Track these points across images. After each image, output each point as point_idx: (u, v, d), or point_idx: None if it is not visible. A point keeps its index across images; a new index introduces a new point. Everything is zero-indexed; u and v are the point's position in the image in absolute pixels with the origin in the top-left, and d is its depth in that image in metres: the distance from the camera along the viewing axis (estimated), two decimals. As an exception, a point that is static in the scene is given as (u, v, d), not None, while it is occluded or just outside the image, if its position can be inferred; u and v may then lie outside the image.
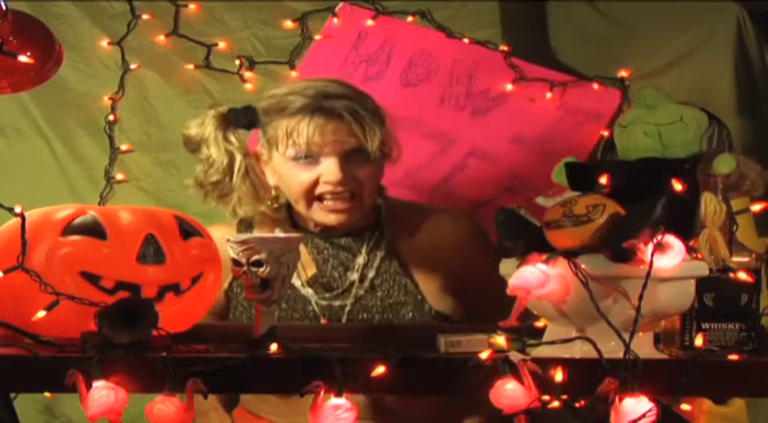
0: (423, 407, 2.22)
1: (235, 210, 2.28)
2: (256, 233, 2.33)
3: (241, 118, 2.25)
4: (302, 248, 2.22)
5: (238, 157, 2.24)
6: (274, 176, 2.29)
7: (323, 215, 2.25)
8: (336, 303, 2.28)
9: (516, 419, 1.69)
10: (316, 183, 2.23)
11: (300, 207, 2.27)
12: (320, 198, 2.24)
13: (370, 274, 2.29)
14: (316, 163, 2.22)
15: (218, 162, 2.24)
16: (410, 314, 2.28)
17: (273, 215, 2.34)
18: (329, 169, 2.21)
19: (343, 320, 2.27)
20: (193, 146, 2.27)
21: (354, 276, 2.28)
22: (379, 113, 2.26)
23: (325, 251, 2.31)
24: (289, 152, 2.23)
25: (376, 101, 2.29)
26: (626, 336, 1.72)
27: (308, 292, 2.29)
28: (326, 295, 2.29)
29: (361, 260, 2.29)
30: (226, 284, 2.29)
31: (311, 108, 2.20)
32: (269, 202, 2.32)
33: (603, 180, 1.84)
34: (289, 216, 2.34)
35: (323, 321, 2.27)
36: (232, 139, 2.24)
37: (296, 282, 2.28)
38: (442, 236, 2.31)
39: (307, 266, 2.30)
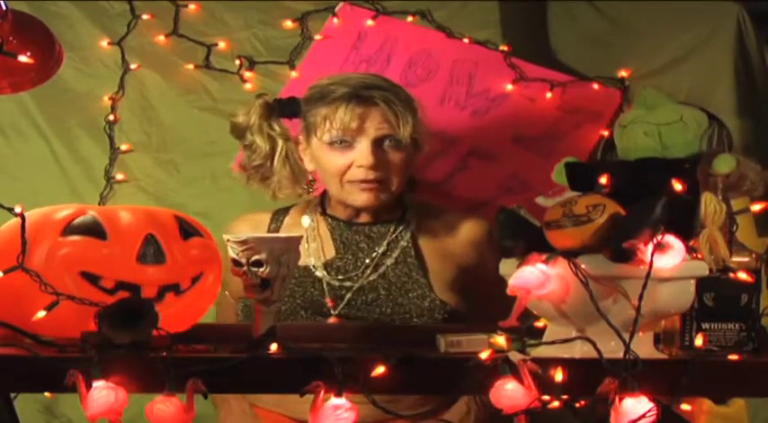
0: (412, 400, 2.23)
1: (275, 193, 2.43)
2: (287, 223, 2.43)
3: (285, 108, 2.40)
4: (326, 233, 2.41)
5: (280, 143, 2.39)
6: (312, 162, 2.41)
7: (354, 194, 2.35)
8: (346, 284, 2.36)
9: (516, 419, 1.69)
10: (349, 167, 2.34)
11: (334, 189, 2.38)
12: (352, 182, 2.35)
13: (387, 262, 2.38)
14: (350, 148, 2.34)
15: (260, 148, 2.38)
16: (416, 301, 2.33)
17: (308, 198, 2.47)
18: (362, 153, 2.32)
19: (346, 299, 2.34)
20: (239, 132, 2.41)
21: (370, 262, 2.37)
22: (411, 104, 2.38)
23: (349, 238, 2.40)
24: (325, 137, 2.35)
25: (410, 93, 2.40)
26: (626, 336, 1.72)
27: (323, 273, 2.37)
28: (339, 277, 2.37)
29: (380, 249, 2.39)
30: None
31: (349, 96, 2.33)
32: (306, 186, 2.44)
33: (603, 180, 1.84)
34: (320, 204, 2.46)
35: (327, 300, 2.34)
36: (275, 126, 2.39)
37: (312, 264, 2.38)
38: (458, 235, 2.42)
39: (327, 250, 2.40)
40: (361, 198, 2.35)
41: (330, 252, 2.39)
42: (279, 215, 2.47)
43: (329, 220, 2.43)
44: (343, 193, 2.37)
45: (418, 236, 2.41)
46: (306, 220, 2.41)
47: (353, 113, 2.31)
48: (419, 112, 2.39)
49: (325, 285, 2.36)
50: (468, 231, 2.42)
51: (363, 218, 2.42)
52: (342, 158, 2.34)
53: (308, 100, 2.38)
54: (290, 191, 2.42)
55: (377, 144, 2.33)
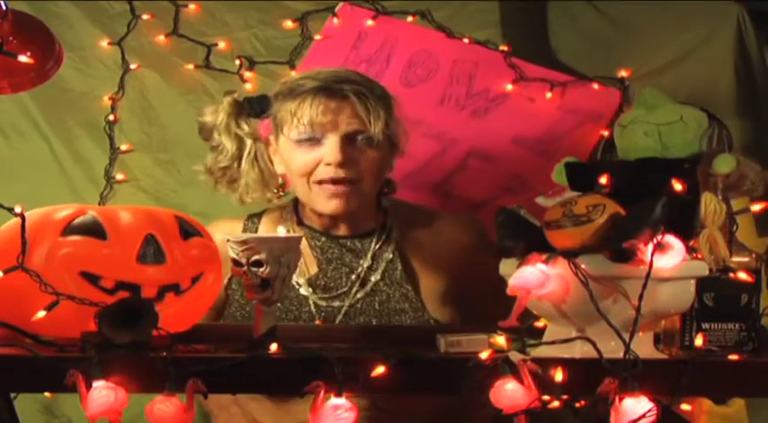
0: (417, 406, 2.22)
1: (242, 197, 2.31)
2: (261, 230, 2.34)
3: (255, 106, 2.28)
4: (305, 247, 2.26)
5: (248, 143, 2.27)
6: (282, 164, 2.30)
7: (322, 201, 2.24)
8: (335, 304, 2.28)
9: (516, 419, 1.69)
10: (316, 166, 2.22)
11: (302, 193, 2.27)
12: (320, 182, 2.23)
13: (374, 278, 2.29)
14: (318, 145, 2.22)
15: (227, 148, 2.27)
16: (408, 322, 2.27)
17: (280, 204, 2.36)
18: (330, 150, 2.20)
19: (337, 322, 2.27)
20: (207, 133, 2.30)
21: (356, 279, 2.28)
22: (386, 100, 2.27)
23: (329, 251, 2.31)
24: (293, 134, 2.23)
25: (387, 90, 2.31)
26: (626, 336, 1.72)
27: (308, 291, 2.28)
28: (325, 296, 2.29)
29: (365, 263, 2.29)
30: (225, 280, 2.28)
31: (317, 90, 2.21)
32: (275, 190, 2.33)
33: (603, 180, 1.84)
34: (295, 213, 2.34)
35: (317, 322, 2.27)
36: (243, 125, 2.28)
37: (295, 281, 2.28)
38: (448, 239, 2.33)
39: (309, 266, 2.30)
40: (328, 205, 2.22)
41: (312, 267, 2.29)
42: (251, 222, 2.36)
43: (306, 231, 2.31)
44: (311, 199, 2.24)
45: (404, 245, 2.31)
46: (281, 231, 2.32)
47: (321, 107, 2.19)
48: (395, 110, 2.29)
49: (312, 306, 2.27)
50: (457, 235, 2.33)
51: (342, 229, 2.30)
52: (308, 156, 2.21)
53: (276, 96, 2.28)
54: (259, 195, 2.30)
55: (347, 140, 2.20)
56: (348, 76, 2.26)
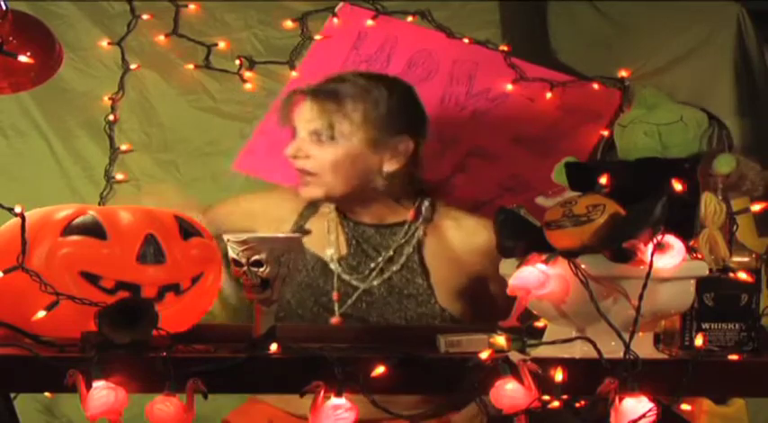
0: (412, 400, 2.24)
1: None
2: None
3: None
4: (340, 231, 2.42)
5: None
6: None
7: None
8: (353, 283, 2.37)
9: (516, 419, 1.69)
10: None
11: None
12: None
13: (394, 268, 2.37)
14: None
15: None
16: (417, 308, 2.33)
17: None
18: (291, 144, 2.38)
19: (351, 300, 2.35)
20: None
21: (381, 262, 2.37)
22: (341, 97, 2.37)
23: (361, 237, 2.41)
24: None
25: (357, 88, 2.39)
26: (626, 336, 1.72)
27: (336, 267, 2.38)
28: (346, 275, 2.38)
29: (389, 252, 2.38)
30: None
31: (300, 91, 2.40)
32: None
33: (603, 180, 1.84)
34: None
35: (334, 294, 2.35)
36: None
37: (328, 254, 2.39)
38: (473, 242, 2.39)
39: (341, 246, 2.40)
40: (300, 190, 2.40)
41: (344, 249, 2.40)
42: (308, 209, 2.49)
43: (338, 214, 2.43)
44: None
45: (429, 239, 2.40)
46: (323, 210, 2.45)
47: (295, 108, 2.38)
48: (371, 110, 2.38)
49: (335, 279, 2.37)
50: (483, 239, 2.37)
51: (367, 218, 2.42)
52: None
53: None
54: None
55: (309, 137, 2.37)
56: (336, 77, 2.42)
